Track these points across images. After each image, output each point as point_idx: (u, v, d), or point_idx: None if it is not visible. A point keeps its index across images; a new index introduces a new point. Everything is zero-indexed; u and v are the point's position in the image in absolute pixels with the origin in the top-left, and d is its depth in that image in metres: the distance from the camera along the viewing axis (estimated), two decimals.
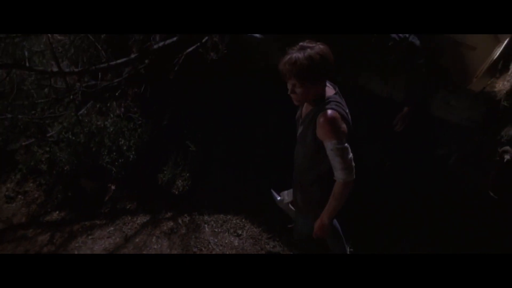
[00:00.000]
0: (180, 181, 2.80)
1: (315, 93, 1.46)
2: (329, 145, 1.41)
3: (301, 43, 1.38)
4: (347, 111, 1.51)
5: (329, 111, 1.40)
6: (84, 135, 2.66)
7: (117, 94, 2.97)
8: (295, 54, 1.34)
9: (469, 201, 2.40)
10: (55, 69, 2.42)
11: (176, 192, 2.75)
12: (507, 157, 2.02)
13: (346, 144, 1.42)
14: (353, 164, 1.46)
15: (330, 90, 1.52)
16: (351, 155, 1.44)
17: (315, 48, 1.35)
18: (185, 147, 2.83)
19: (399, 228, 2.42)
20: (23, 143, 2.94)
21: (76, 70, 2.46)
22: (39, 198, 2.66)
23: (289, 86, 1.43)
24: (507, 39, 2.38)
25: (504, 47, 2.44)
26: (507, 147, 2.08)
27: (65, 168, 2.59)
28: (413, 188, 2.55)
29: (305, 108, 1.59)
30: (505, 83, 2.27)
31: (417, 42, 2.27)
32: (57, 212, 2.59)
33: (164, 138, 2.88)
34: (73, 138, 2.71)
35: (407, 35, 2.26)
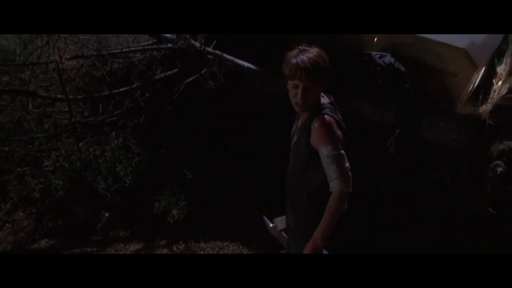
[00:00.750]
0: (175, 210, 2.75)
1: (317, 98, 1.43)
2: (324, 151, 1.35)
3: (299, 47, 1.36)
4: (341, 119, 1.48)
5: (325, 116, 1.38)
6: (81, 162, 2.66)
7: (117, 126, 3.03)
8: (306, 54, 1.32)
9: (467, 222, 2.39)
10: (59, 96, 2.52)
11: (172, 221, 2.68)
12: (499, 169, 2.07)
13: (342, 151, 1.36)
14: (350, 174, 1.38)
15: (324, 99, 1.50)
16: (347, 164, 1.38)
17: (316, 48, 1.36)
18: (182, 175, 2.83)
19: (398, 250, 2.36)
20: (17, 174, 2.91)
21: (79, 97, 2.54)
22: (28, 227, 2.57)
23: (300, 89, 1.35)
24: (484, 67, 2.59)
25: (483, 74, 2.64)
26: (498, 161, 2.14)
27: (59, 194, 2.53)
28: (410, 210, 2.55)
29: (301, 118, 1.54)
30: (488, 104, 2.40)
31: (402, 68, 2.45)
32: (46, 240, 2.48)
33: (161, 166, 2.88)
34: (69, 166, 2.70)
35: (392, 61, 2.45)
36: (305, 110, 1.44)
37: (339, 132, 1.39)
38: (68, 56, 2.31)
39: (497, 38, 2.92)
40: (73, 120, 2.44)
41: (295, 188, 1.58)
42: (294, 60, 1.32)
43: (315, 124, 1.37)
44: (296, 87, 1.36)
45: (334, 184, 1.36)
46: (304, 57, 1.31)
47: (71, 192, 2.58)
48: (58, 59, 2.21)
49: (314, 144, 1.39)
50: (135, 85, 2.70)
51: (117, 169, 2.64)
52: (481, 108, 2.47)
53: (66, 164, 2.73)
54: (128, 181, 2.62)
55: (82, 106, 3.02)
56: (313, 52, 1.33)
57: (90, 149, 2.78)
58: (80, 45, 2.34)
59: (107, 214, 2.60)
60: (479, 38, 2.56)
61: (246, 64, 2.85)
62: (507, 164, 2.09)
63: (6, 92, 2.40)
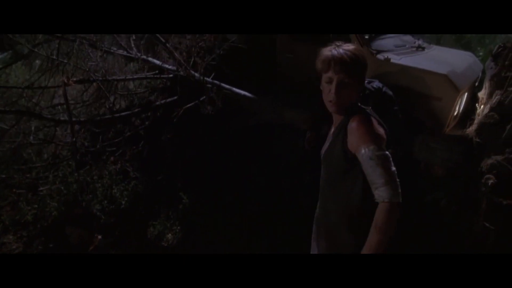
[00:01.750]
0: (170, 234, 2.70)
1: (353, 99, 1.24)
2: (367, 153, 1.12)
3: (335, 43, 1.23)
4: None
5: (363, 115, 1.19)
6: (78, 184, 2.66)
7: (116, 155, 3.09)
8: (342, 47, 1.20)
9: (465, 240, 2.37)
10: (62, 118, 2.61)
11: (166, 245, 2.62)
12: (491, 181, 2.12)
13: (387, 152, 1.14)
14: (398, 180, 1.13)
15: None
16: (394, 168, 1.14)
17: (353, 45, 1.24)
18: (178, 200, 2.82)
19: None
20: (11, 200, 2.89)
21: (82, 119, 2.63)
22: (16, 249, 2.48)
23: (334, 83, 1.20)
24: (466, 93, 2.75)
25: (466, 100, 2.80)
26: (489, 175, 2.19)
27: (53, 214, 2.50)
28: (409, 232, 2.52)
29: (334, 123, 1.34)
30: (474, 125, 2.52)
31: (390, 92, 2.60)
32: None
33: (158, 190, 2.88)
34: (65, 189, 2.70)
35: (380, 86, 2.60)
36: (339, 110, 1.24)
37: (381, 130, 1.19)
38: (75, 79, 2.44)
39: (478, 65, 3.15)
40: (74, 139, 2.49)
41: (332, 210, 1.35)
42: (328, 53, 1.20)
43: (352, 124, 1.17)
44: (330, 81, 1.21)
45: (382, 192, 1.11)
46: (340, 49, 1.19)
47: (65, 214, 2.55)
48: (65, 81, 2.34)
49: (353, 147, 1.18)
50: (136, 110, 2.81)
51: (113, 191, 2.63)
52: (468, 129, 2.59)
53: (62, 187, 2.74)
54: (123, 202, 2.61)
55: (83, 133, 3.10)
56: (350, 46, 1.21)
57: (87, 172, 2.80)
58: (87, 70, 2.49)
59: (100, 237, 2.54)
60: (459, 66, 2.77)
61: (242, 92, 3.01)
62: (497, 176, 2.15)
63: (12, 112, 2.49)
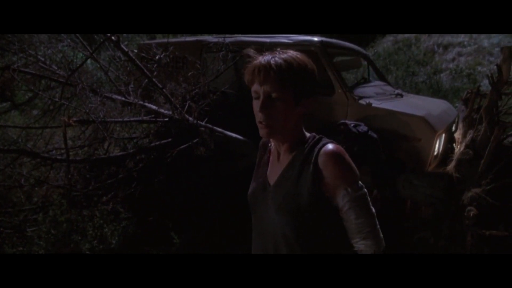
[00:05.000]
0: None
1: (297, 124, 1.00)
2: (348, 194, 0.93)
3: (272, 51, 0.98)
4: None
5: (335, 145, 0.97)
6: (67, 224, 2.65)
7: (108, 196, 3.11)
8: (272, 55, 0.96)
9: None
10: (59, 157, 2.68)
11: None
12: (472, 212, 2.21)
13: (365, 188, 0.97)
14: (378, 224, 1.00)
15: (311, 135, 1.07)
16: (373, 208, 0.99)
17: (293, 52, 0.98)
18: (169, 240, 2.81)
19: None
20: None
21: (78, 158, 2.71)
22: None
23: (261, 98, 0.95)
24: (444, 134, 2.96)
25: (444, 141, 2.99)
26: (471, 207, 2.30)
27: (40, 253, 2.45)
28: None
29: (281, 155, 1.06)
30: (452, 162, 2.68)
31: (375, 135, 2.78)
32: None
33: (149, 231, 2.87)
34: (55, 230, 2.68)
35: (366, 130, 2.79)
36: (273, 134, 0.99)
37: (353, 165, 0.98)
38: (75, 119, 2.57)
39: (452, 111, 3.41)
40: (69, 176, 2.54)
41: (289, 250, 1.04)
42: (256, 61, 0.96)
43: (328, 158, 0.94)
44: (257, 97, 0.97)
45: (367, 242, 0.96)
46: (268, 57, 0.95)
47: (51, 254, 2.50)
48: (66, 120, 2.46)
49: (329, 187, 0.95)
50: (131, 151, 2.91)
51: (104, 230, 2.62)
52: (448, 167, 2.74)
53: (52, 231, 2.71)
54: (114, 242, 2.58)
55: (76, 175, 3.15)
56: (285, 53, 0.96)
57: (79, 213, 2.80)
58: (87, 111, 2.63)
59: None
60: (435, 110, 3.02)
61: (234, 135, 3.16)
62: (478, 208, 2.25)
63: (10, 151, 2.56)
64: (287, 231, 1.01)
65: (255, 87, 0.96)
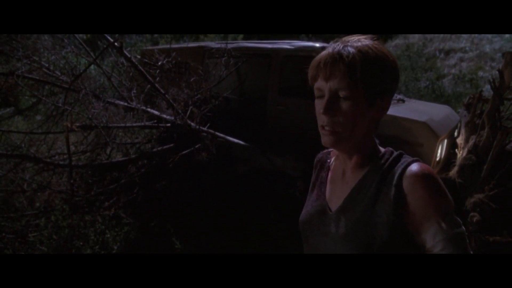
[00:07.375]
0: None
1: (369, 131, 0.80)
2: (442, 231, 0.68)
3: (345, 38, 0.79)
4: None
5: (424, 165, 0.75)
6: (69, 230, 2.66)
7: (110, 201, 3.12)
8: (344, 44, 0.76)
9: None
10: (61, 162, 2.69)
11: None
12: (476, 218, 2.20)
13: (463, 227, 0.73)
14: None
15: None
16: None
17: (371, 40, 0.77)
18: (171, 246, 2.80)
19: None
20: None
21: (80, 164, 2.72)
22: None
23: (326, 97, 0.76)
24: (446, 140, 2.95)
25: (447, 147, 2.99)
26: (474, 213, 2.28)
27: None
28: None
29: (351, 171, 0.84)
30: (455, 167, 2.67)
31: (376, 140, 2.77)
32: None
33: (151, 236, 2.87)
34: (56, 235, 2.68)
35: None
36: (339, 143, 0.78)
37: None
38: (78, 124, 2.58)
39: (454, 116, 3.40)
40: (72, 181, 2.55)
41: None
42: (324, 52, 0.78)
43: (412, 179, 0.72)
44: (321, 95, 0.78)
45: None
46: (339, 46, 0.76)
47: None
48: (69, 125, 2.48)
49: (415, 218, 0.71)
50: (133, 156, 2.92)
51: (106, 235, 2.62)
52: (451, 172, 2.73)
53: (54, 236, 2.72)
54: (116, 247, 2.58)
55: (78, 181, 3.16)
56: (360, 41, 0.76)
57: (81, 218, 2.81)
58: (90, 116, 2.64)
59: None
60: (437, 115, 3.01)
61: (236, 140, 3.16)
62: (481, 214, 2.24)
63: (13, 156, 2.57)
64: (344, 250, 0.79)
65: (319, 83, 0.77)
